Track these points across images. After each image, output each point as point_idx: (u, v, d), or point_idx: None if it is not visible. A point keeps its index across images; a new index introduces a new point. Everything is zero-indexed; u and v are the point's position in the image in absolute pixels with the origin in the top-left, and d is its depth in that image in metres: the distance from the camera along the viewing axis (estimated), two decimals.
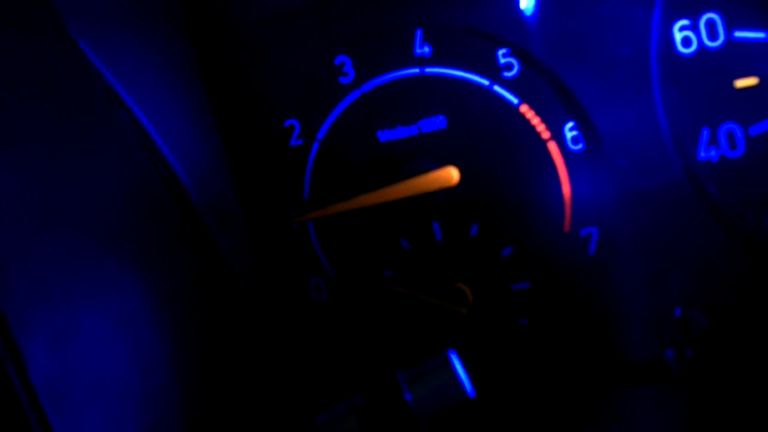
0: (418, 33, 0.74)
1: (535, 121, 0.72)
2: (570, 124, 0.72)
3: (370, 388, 0.63)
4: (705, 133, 0.68)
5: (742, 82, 0.66)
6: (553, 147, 0.72)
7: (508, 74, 0.72)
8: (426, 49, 0.74)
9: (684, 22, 0.66)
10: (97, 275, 0.61)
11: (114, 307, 0.61)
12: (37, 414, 0.49)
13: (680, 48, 0.67)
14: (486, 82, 0.73)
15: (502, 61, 0.72)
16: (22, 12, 0.65)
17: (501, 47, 0.72)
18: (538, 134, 0.73)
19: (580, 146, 0.72)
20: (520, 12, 0.71)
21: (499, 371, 0.78)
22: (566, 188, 0.73)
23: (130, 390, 0.60)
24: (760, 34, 0.64)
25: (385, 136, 0.77)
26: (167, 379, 0.64)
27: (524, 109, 0.72)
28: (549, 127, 0.72)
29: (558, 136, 0.72)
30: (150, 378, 0.62)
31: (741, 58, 0.66)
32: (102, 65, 0.73)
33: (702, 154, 0.68)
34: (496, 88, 0.73)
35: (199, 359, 0.69)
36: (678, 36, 0.67)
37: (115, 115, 0.73)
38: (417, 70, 0.75)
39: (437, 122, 0.75)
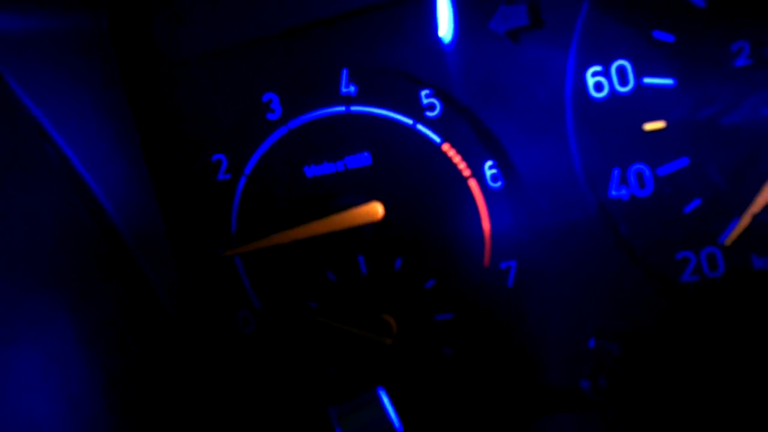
0: (344, 72, 0.76)
1: (457, 159, 0.75)
2: (489, 163, 0.74)
3: (301, 423, 0.65)
4: (616, 172, 0.71)
5: (650, 125, 0.69)
6: (473, 184, 0.75)
7: (431, 114, 0.75)
8: (352, 88, 0.76)
9: (596, 68, 0.69)
10: (29, 314, 0.61)
11: (46, 345, 0.61)
12: None
13: (593, 92, 0.70)
14: (410, 122, 0.75)
15: (425, 101, 0.74)
16: None
17: (424, 88, 0.74)
18: (459, 172, 0.75)
19: (499, 184, 0.74)
20: (442, 52, 0.73)
21: (425, 399, 0.80)
22: (486, 224, 0.75)
23: (62, 428, 0.60)
24: (667, 80, 0.67)
25: (311, 171, 0.79)
26: (98, 414, 0.64)
27: (446, 147, 0.75)
28: (470, 165, 0.74)
29: (478, 174, 0.74)
30: (80, 414, 0.63)
31: (650, 102, 0.69)
32: (29, 100, 0.73)
33: (613, 192, 0.71)
34: (419, 127, 0.75)
35: (129, 394, 0.69)
36: (591, 81, 0.70)
37: (42, 150, 0.73)
38: (343, 108, 0.77)
39: (362, 159, 0.77)
